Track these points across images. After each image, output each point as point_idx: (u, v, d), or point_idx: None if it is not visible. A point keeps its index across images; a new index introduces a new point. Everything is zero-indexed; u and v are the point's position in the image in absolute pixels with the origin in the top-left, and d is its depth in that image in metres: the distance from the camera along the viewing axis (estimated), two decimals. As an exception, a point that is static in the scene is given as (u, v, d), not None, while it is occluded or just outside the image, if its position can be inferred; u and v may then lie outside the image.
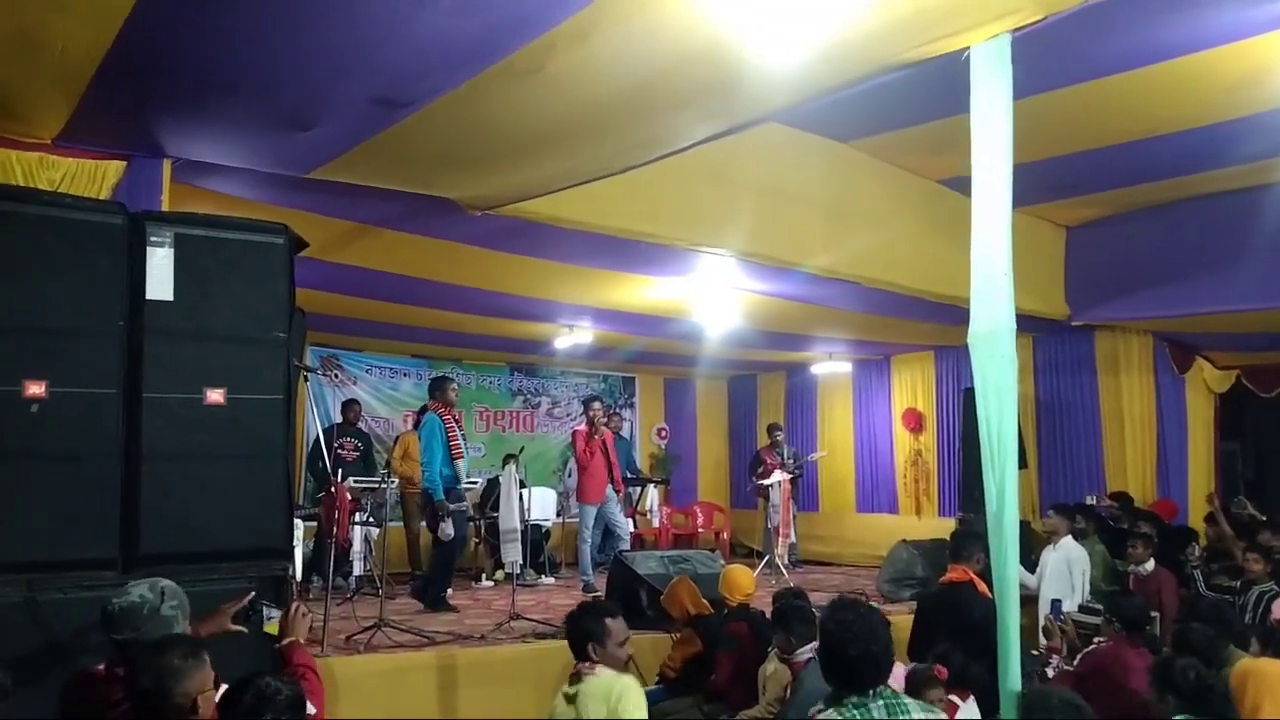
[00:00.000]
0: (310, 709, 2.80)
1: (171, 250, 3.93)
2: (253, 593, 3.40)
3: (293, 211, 5.56)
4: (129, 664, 2.74)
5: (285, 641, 3.19)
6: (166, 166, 4.98)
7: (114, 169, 4.77)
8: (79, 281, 3.77)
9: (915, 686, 4.40)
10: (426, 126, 4.46)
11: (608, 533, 8.96)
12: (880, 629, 2.74)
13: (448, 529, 7.32)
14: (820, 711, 2.65)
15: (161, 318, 3.89)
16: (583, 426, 8.88)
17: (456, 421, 7.83)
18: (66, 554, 3.59)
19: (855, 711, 2.56)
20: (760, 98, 4.27)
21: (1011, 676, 3.19)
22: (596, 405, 8.87)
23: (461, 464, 7.58)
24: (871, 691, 2.61)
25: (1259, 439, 11.12)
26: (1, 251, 3.60)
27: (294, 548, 4.19)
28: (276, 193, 5.61)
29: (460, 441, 7.64)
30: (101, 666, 2.89)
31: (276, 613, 3.26)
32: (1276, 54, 5.18)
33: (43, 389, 3.61)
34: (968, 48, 3.48)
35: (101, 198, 4.59)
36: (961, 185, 7.59)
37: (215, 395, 3.94)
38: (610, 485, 8.67)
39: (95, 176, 4.73)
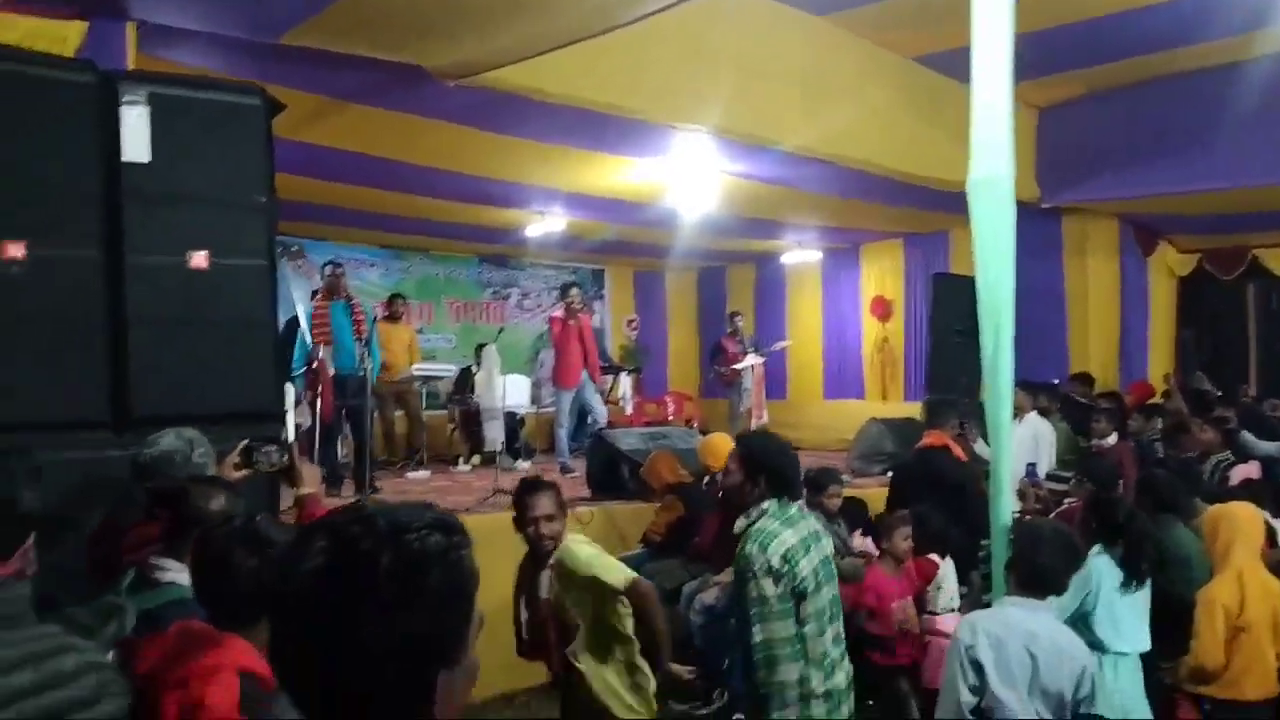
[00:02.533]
0: None
1: (147, 109, 3.80)
2: (245, 440, 3.33)
3: (259, 83, 5.40)
4: (171, 498, 2.63)
5: (304, 492, 3.18)
6: (131, 30, 4.78)
7: (75, 30, 4.55)
8: (51, 141, 3.62)
9: (887, 528, 4.58)
10: (404, -18, 4.32)
11: (581, 418, 9.04)
12: (795, 455, 3.27)
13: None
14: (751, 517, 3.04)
15: (139, 180, 3.77)
16: (559, 312, 8.89)
17: (352, 315, 7.53)
18: (59, 416, 3.55)
19: (781, 511, 3.01)
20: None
21: (1004, 511, 3.29)
22: (574, 291, 8.88)
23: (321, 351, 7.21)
24: (787, 498, 3.08)
25: (1216, 321, 11.40)
26: (-36, 110, 3.45)
27: (285, 411, 4.18)
28: (242, 63, 5.42)
29: (326, 332, 7.32)
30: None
31: (272, 449, 3.23)
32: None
33: (21, 251, 3.51)
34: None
35: (64, 61, 4.41)
36: (937, 62, 7.63)
37: (199, 259, 3.87)
38: (585, 370, 8.71)
39: (56, 38, 4.50)
